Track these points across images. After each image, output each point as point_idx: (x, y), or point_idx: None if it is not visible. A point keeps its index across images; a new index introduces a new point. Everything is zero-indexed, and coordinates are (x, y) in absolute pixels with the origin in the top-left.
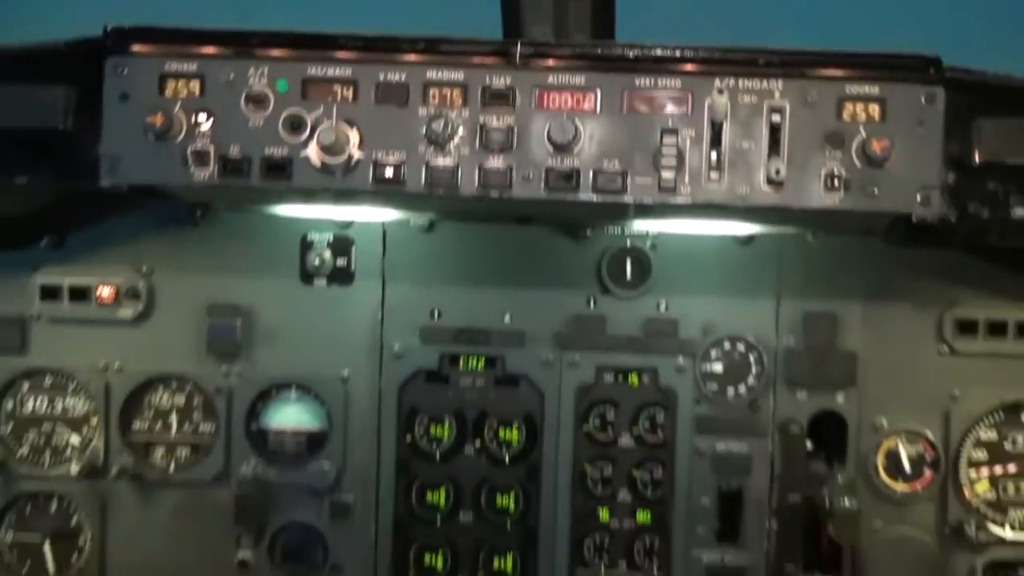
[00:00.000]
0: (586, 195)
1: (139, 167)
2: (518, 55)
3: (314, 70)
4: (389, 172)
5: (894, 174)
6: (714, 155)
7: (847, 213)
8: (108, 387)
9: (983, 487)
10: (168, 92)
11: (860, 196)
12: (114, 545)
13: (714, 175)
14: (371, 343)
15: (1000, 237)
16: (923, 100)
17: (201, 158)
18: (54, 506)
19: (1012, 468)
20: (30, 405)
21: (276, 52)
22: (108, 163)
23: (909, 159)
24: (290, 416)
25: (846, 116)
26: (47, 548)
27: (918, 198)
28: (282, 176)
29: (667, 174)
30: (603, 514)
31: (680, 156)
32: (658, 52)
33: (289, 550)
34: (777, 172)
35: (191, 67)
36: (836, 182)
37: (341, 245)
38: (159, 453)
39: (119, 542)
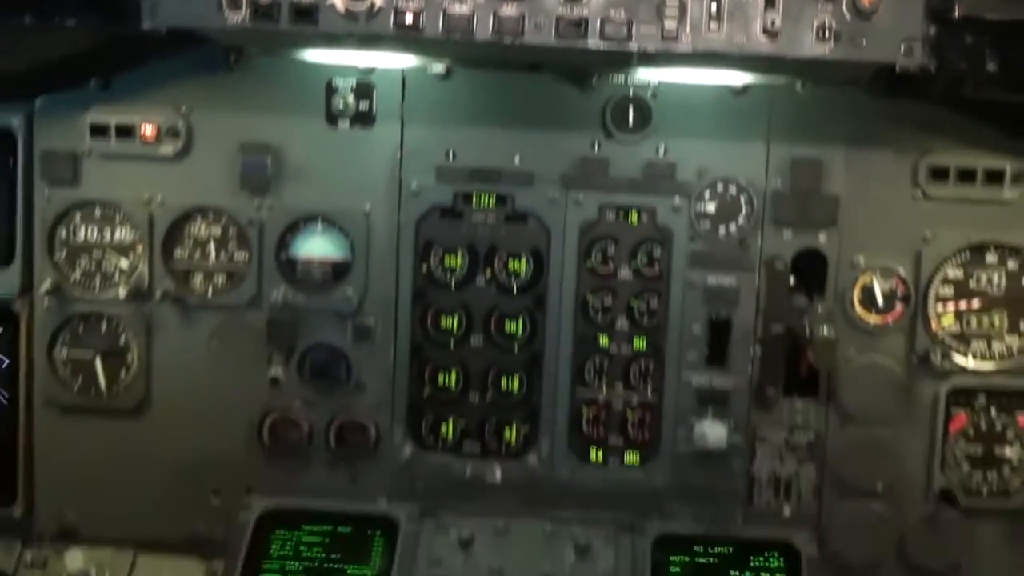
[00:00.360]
0: (594, 42)
1: (177, 10)
2: None
3: None
4: (409, 18)
5: (880, 26)
6: (714, 6)
7: (836, 63)
8: (152, 218)
9: (949, 320)
10: None
11: (849, 46)
12: (158, 362)
13: (714, 25)
14: (390, 181)
15: (974, 89)
16: None
17: (234, 2)
18: (104, 326)
19: (975, 303)
20: (82, 234)
21: None
22: (149, 7)
23: (895, 12)
24: (316, 246)
25: None
26: (98, 363)
27: (901, 49)
28: (309, 21)
29: (670, 23)
30: (603, 340)
31: (682, 7)
32: None
33: (316, 368)
34: (773, 23)
35: None
36: (827, 33)
37: (364, 90)
38: (198, 279)
39: (162, 359)
